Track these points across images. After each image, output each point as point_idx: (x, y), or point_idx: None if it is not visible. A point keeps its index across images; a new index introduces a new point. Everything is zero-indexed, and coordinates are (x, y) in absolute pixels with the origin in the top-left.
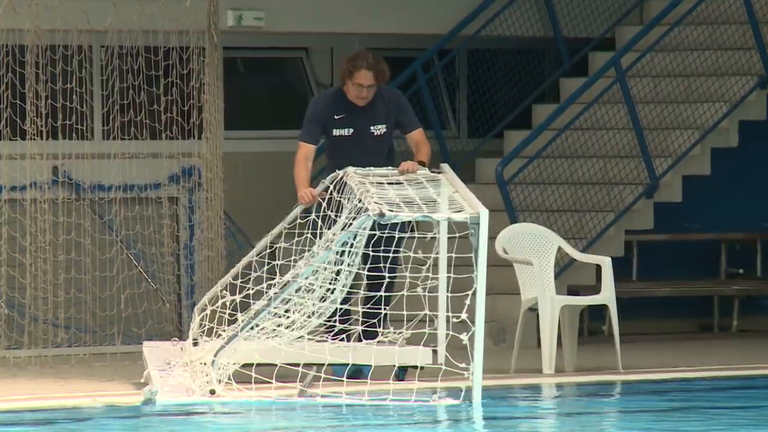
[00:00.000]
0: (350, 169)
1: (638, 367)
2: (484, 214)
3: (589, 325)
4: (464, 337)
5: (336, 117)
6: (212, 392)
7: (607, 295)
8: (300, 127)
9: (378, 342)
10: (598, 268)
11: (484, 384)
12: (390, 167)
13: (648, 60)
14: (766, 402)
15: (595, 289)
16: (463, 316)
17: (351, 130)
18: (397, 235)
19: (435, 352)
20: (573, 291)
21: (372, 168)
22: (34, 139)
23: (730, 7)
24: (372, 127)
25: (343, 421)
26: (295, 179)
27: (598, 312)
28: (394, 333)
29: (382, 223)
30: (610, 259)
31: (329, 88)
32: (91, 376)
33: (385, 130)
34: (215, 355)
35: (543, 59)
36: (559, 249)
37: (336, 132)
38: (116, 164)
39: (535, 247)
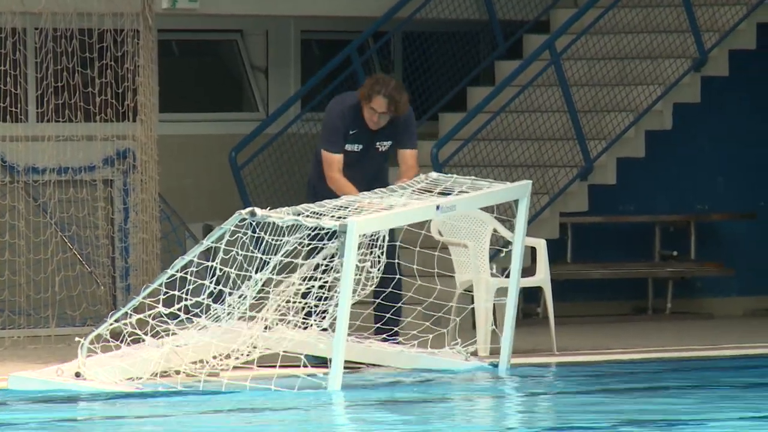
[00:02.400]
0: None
1: (573, 349)
2: (353, 225)
3: (524, 308)
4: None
5: (351, 132)
6: (77, 375)
7: (542, 277)
8: (234, 109)
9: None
10: (533, 250)
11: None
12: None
13: (582, 43)
14: (699, 383)
15: (530, 271)
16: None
17: (360, 147)
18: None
19: (496, 366)
20: (508, 273)
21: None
22: None
23: None
24: (378, 143)
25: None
26: (345, 192)
27: (533, 294)
28: (461, 347)
29: (253, 222)
30: (544, 241)
31: (347, 94)
32: (25, 359)
33: (388, 146)
34: (85, 338)
35: (478, 42)
36: (494, 231)
37: (347, 147)
38: (50, 147)
39: (470, 230)
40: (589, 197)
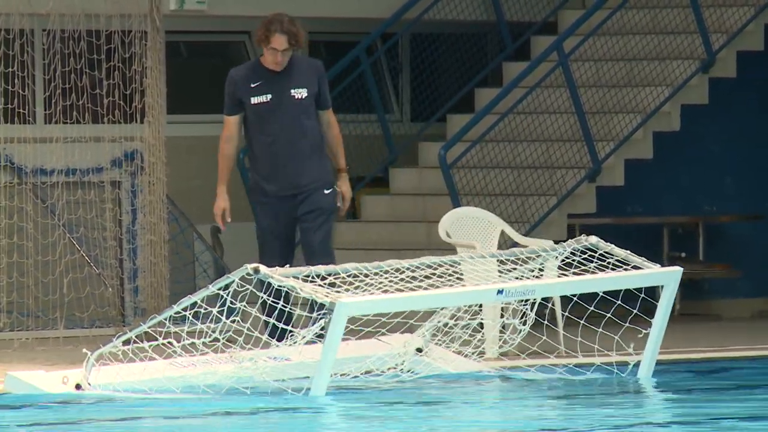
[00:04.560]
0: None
1: (583, 351)
2: (340, 307)
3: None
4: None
5: (252, 85)
6: (78, 386)
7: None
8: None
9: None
10: None
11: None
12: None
13: (590, 44)
14: (708, 384)
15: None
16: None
17: (269, 96)
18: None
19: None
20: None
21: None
22: None
23: None
24: (293, 91)
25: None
26: (219, 161)
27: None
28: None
29: (256, 278)
30: (552, 242)
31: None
32: (34, 361)
33: (306, 93)
34: (92, 353)
35: (486, 43)
36: (502, 233)
37: (254, 100)
38: (58, 148)
39: (477, 231)
40: (597, 199)
